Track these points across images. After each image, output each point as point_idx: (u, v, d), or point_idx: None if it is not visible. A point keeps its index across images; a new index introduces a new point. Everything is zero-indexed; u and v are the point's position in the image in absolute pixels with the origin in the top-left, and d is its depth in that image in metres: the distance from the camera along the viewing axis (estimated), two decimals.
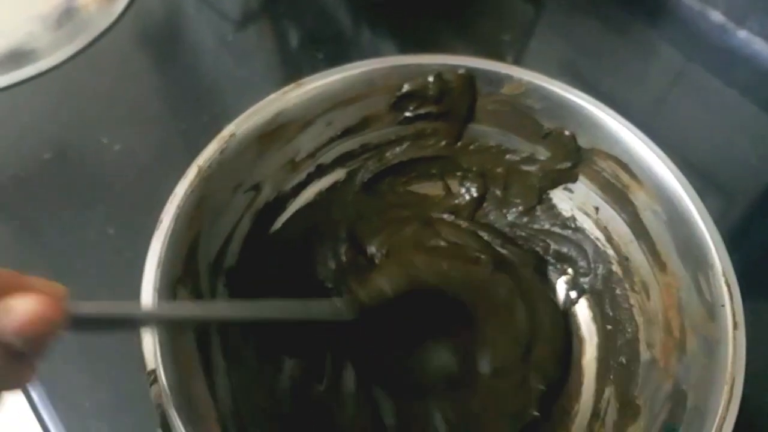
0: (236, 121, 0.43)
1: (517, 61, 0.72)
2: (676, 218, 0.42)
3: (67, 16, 0.74)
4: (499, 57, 0.70)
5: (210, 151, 0.42)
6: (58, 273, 0.53)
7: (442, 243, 0.52)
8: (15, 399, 0.48)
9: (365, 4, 0.78)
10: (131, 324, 0.34)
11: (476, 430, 0.45)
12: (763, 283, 0.56)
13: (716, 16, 0.75)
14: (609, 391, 0.46)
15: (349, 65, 0.46)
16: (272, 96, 0.44)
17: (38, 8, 0.74)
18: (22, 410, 0.48)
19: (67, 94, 0.67)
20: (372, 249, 0.52)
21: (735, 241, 0.57)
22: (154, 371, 0.34)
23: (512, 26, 0.77)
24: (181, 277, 0.39)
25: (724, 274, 0.38)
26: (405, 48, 0.73)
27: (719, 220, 0.58)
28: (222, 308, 0.40)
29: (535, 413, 0.45)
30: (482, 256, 0.51)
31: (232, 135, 0.43)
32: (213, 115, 0.63)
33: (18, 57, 0.69)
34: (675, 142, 0.62)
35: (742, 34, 0.73)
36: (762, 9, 0.71)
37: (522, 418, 0.45)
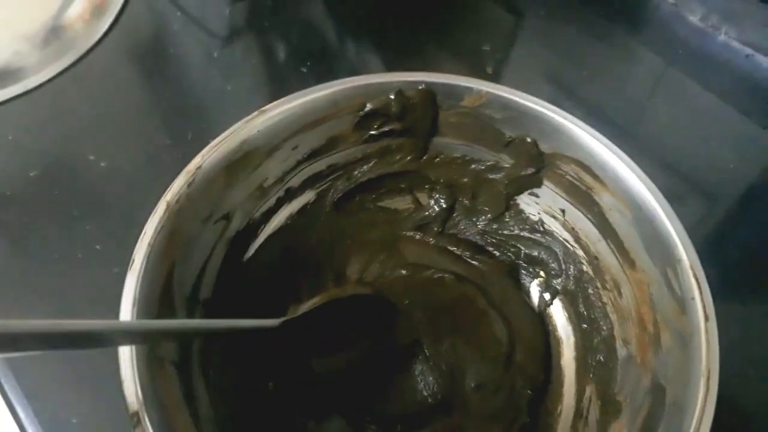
0: (202, 152, 0.43)
1: (498, 71, 0.73)
2: (641, 216, 0.43)
3: (53, 35, 0.74)
4: (479, 67, 0.72)
5: (177, 186, 0.41)
6: (47, 289, 0.54)
7: (404, 272, 0.53)
8: (1, 417, 0.48)
9: (349, 19, 0.79)
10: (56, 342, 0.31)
11: None
12: (742, 286, 0.58)
13: (695, 22, 0.77)
14: (590, 390, 0.47)
15: (310, 89, 0.46)
16: (236, 125, 0.44)
17: (25, 27, 0.75)
18: (8, 429, 0.47)
19: (53, 112, 0.68)
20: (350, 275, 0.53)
21: (714, 245, 0.59)
22: (137, 413, 0.34)
23: (493, 36, 0.78)
24: (157, 314, 0.38)
25: (691, 268, 0.39)
26: (388, 60, 0.74)
27: (699, 224, 0.60)
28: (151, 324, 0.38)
29: (527, 419, 0.46)
30: (445, 276, 0.51)
31: (199, 167, 0.42)
32: (199, 130, 0.64)
33: (5, 76, 0.70)
34: (655, 147, 0.64)
35: (721, 39, 0.75)
36: (740, 14, 0.73)
37: (514, 426, 0.46)
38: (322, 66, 0.71)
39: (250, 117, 0.45)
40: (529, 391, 0.47)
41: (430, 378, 0.47)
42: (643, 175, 0.43)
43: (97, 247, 0.56)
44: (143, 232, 0.39)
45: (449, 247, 0.54)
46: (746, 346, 0.52)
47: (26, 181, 0.61)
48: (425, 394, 0.47)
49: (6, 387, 0.49)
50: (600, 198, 0.46)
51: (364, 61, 0.75)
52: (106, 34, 0.74)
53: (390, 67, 0.65)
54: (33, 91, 0.68)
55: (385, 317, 0.48)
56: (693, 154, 0.67)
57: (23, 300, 0.54)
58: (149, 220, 0.40)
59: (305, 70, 0.71)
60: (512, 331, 0.49)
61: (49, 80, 0.69)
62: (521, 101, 0.47)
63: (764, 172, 0.66)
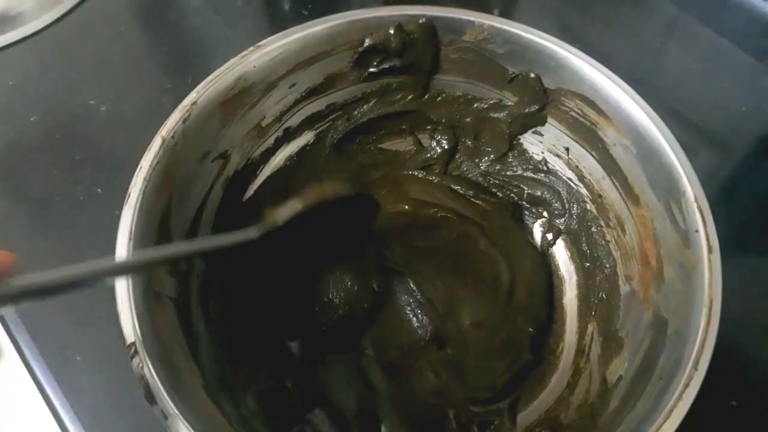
0: (197, 88, 0.42)
1: (505, 13, 0.71)
2: (646, 150, 0.42)
3: None
4: (485, 10, 0.69)
5: (173, 121, 0.41)
6: (49, 232, 0.55)
7: (407, 207, 0.52)
8: (9, 356, 0.49)
9: None
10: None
11: (470, 380, 0.46)
12: (755, 235, 0.57)
13: None
14: (592, 327, 0.46)
15: (308, 23, 0.45)
16: (232, 60, 0.44)
17: None
18: (15, 367, 0.48)
19: (53, 57, 0.68)
20: None
21: (728, 193, 0.58)
22: (134, 344, 0.34)
23: None
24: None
25: (696, 200, 0.38)
26: (394, 4, 0.71)
27: (713, 173, 0.58)
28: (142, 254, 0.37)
29: (529, 357, 0.46)
30: (449, 216, 0.51)
31: (194, 103, 0.42)
32: (198, 74, 0.61)
33: (4, 21, 0.69)
34: (668, 95, 0.62)
35: None
36: None
37: (516, 363, 0.46)
38: (325, 8, 0.69)
39: (246, 52, 0.44)
40: (530, 329, 0.47)
41: (420, 313, 0.47)
42: (648, 108, 0.42)
43: (98, 190, 0.57)
44: (139, 167, 0.39)
45: (452, 186, 0.54)
46: (755, 291, 0.51)
47: (28, 126, 0.61)
48: (416, 327, 0.47)
49: (12, 328, 0.50)
50: (604, 134, 0.45)
51: (367, 4, 0.73)
52: None
53: None
54: (32, 37, 0.68)
55: (369, 217, 0.46)
56: (705, 99, 0.65)
57: (26, 243, 0.54)
58: (145, 155, 0.40)
59: (306, 13, 0.70)
60: (514, 271, 0.49)
61: (49, 25, 0.69)
62: (524, 34, 0.46)
63: None
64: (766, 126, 0.64)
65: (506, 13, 0.72)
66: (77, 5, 0.70)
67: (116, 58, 0.67)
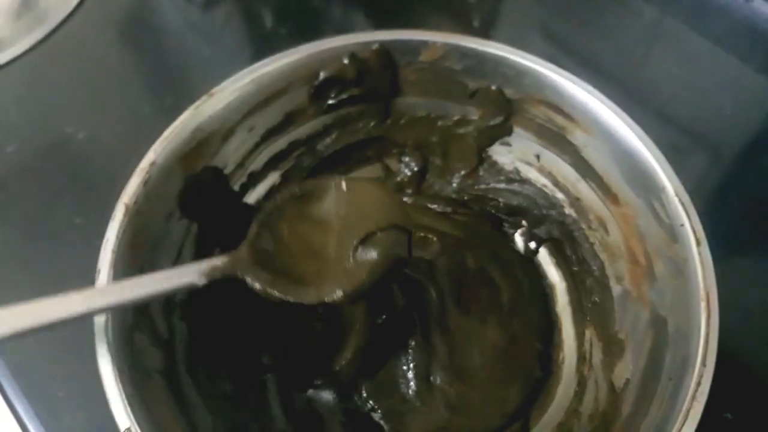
0: (153, 147, 0.40)
1: (486, 24, 0.71)
2: (618, 149, 0.42)
3: (26, 7, 0.71)
4: (465, 21, 0.69)
5: (134, 186, 0.39)
6: (28, 264, 0.53)
7: None
8: None
9: None
10: None
11: (481, 412, 0.45)
12: (746, 238, 0.57)
13: None
14: (589, 333, 0.46)
15: (258, 64, 0.44)
16: (185, 114, 0.42)
17: None
18: None
19: (29, 86, 0.66)
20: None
21: (719, 196, 0.58)
22: (129, 430, 0.32)
23: None
24: (133, 323, 0.36)
25: (677, 195, 0.38)
26: (374, 18, 0.71)
27: (704, 176, 0.58)
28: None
29: (540, 374, 0.45)
30: (429, 236, 0.50)
31: (153, 163, 0.40)
32: (177, 98, 0.61)
33: None
34: (654, 98, 0.62)
35: None
36: None
37: (528, 384, 0.45)
38: (306, 26, 0.69)
39: (198, 102, 0.42)
40: (539, 345, 0.46)
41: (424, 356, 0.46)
42: (614, 106, 0.42)
43: (77, 220, 0.55)
44: (105, 239, 0.37)
45: (429, 205, 0.53)
46: (750, 297, 0.51)
47: (3, 157, 0.60)
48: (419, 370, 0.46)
49: None
50: (573, 137, 0.45)
51: (351, 21, 0.73)
52: (80, 3, 0.71)
53: (375, 25, 0.62)
54: (7, 66, 0.66)
55: None
56: (692, 104, 0.65)
57: (5, 275, 0.53)
58: (109, 226, 0.37)
59: (286, 31, 0.69)
60: (510, 286, 0.48)
61: (24, 53, 0.67)
62: (480, 48, 0.45)
63: (765, 119, 0.65)
64: (753, 128, 0.64)
65: (488, 23, 0.72)
66: (52, 32, 0.68)
67: (93, 84, 0.66)
